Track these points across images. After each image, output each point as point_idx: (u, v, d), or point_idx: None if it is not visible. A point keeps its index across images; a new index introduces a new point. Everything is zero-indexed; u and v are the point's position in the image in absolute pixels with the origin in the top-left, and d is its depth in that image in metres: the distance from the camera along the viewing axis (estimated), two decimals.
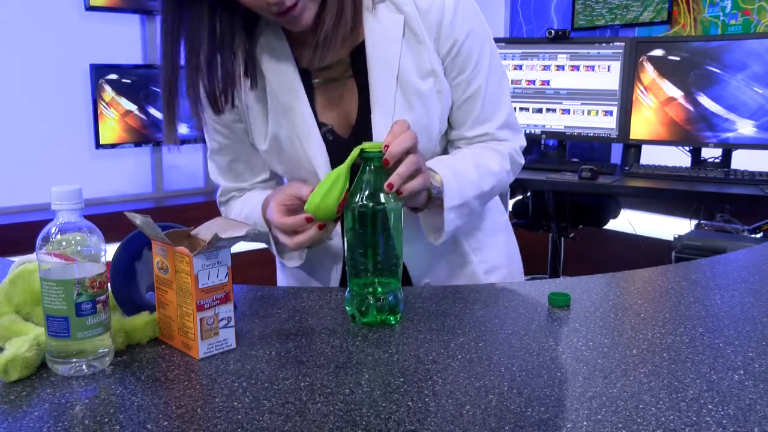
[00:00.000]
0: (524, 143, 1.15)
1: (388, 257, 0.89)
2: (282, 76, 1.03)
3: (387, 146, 0.87)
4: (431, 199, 0.99)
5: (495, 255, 1.19)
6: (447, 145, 1.15)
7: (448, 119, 1.10)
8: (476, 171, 1.03)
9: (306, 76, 1.04)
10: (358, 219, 0.88)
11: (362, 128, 1.04)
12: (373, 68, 1.02)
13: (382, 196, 0.87)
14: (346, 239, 0.90)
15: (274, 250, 1.09)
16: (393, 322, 0.91)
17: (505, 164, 1.09)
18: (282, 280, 1.24)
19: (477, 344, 0.84)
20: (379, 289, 0.90)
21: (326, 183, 0.90)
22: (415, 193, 0.90)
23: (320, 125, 1.05)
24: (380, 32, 1.01)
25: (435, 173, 0.99)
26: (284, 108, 1.03)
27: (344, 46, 1.02)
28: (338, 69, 1.04)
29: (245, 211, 1.10)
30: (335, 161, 1.02)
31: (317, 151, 1.04)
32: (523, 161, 1.14)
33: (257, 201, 1.07)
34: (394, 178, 0.86)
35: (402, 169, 0.87)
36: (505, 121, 1.10)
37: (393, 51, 1.01)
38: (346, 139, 1.05)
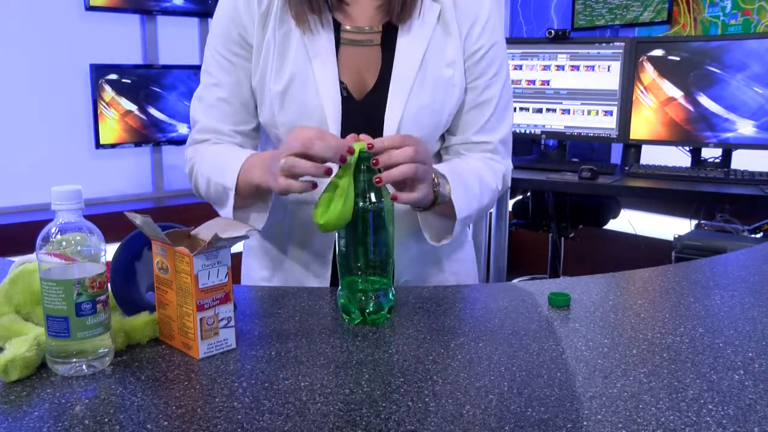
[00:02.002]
0: (512, 166, 1.19)
1: (380, 256, 0.90)
2: (318, 22, 1.04)
3: (371, 145, 0.87)
4: (436, 202, 0.99)
5: (464, 269, 1.23)
6: (440, 152, 1.17)
7: (455, 124, 1.12)
8: (479, 186, 1.07)
9: (335, 33, 1.06)
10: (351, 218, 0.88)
11: (377, 96, 1.05)
12: (401, 44, 1.05)
13: (374, 195, 0.88)
14: (337, 238, 0.90)
15: (230, 213, 1.01)
16: (383, 320, 0.91)
17: (499, 183, 1.13)
18: (258, 279, 1.20)
19: (477, 344, 0.84)
20: (370, 287, 0.90)
21: (337, 192, 0.86)
22: (410, 202, 0.91)
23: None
24: (416, 14, 1.05)
25: (446, 182, 1.00)
26: (311, 52, 1.04)
27: (382, 14, 1.06)
28: (368, 34, 1.07)
29: (219, 158, 1.05)
30: (345, 118, 1.04)
31: (332, 100, 1.03)
32: (510, 184, 1.19)
33: (238, 151, 1.04)
34: (384, 175, 0.87)
35: (394, 172, 0.87)
36: (505, 138, 1.15)
37: (424, 34, 1.05)
38: (358, 100, 1.06)
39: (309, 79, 1.04)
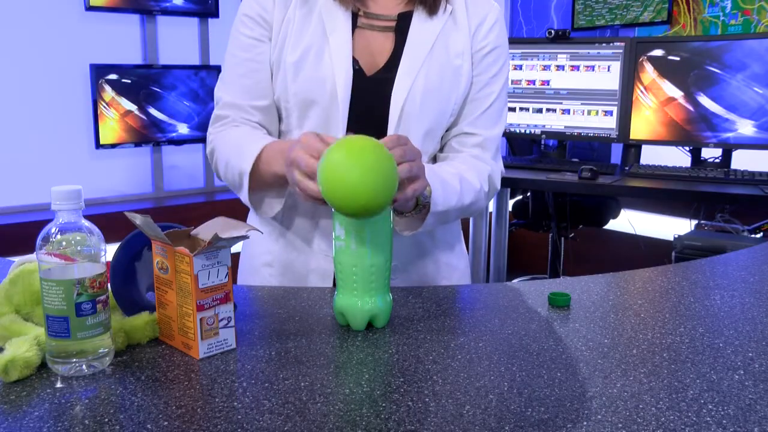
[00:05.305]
0: (503, 170, 1.23)
1: (377, 261, 0.88)
2: (336, 3, 1.11)
3: None
4: (417, 206, 1.02)
5: (457, 275, 1.25)
6: (438, 149, 1.20)
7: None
8: (460, 184, 1.09)
9: (352, 19, 1.12)
10: (347, 221, 0.87)
11: (387, 74, 1.11)
12: (413, 30, 1.12)
13: None
14: (334, 242, 0.90)
15: (246, 196, 1.07)
16: (380, 325, 0.90)
17: (484, 185, 1.15)
18: (253, 278, 1.22)
19: (477, 344, 0.84)
20: (366, 292, 0.88)
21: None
22: (407, 199, 0.92)
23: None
24: (429, 11, 1.13)
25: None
26: (328, 27, 1.09)
27: (402, 4, 1.13)
28: (384, 21, 1.13)
29: (238, 142, 1.09)
30: (355, 91, 1.08)
31: (344, 72, 1.08)
32: (499, 187, 1.21)
33: (257, 137, 1.09)
34: None
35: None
36: (495, 137, 1.19)
37: (436, 24, 1.12)
38: (369, 76, 1.11)
39: (324, 52, 1.09)
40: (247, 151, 1.05)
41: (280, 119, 1.16)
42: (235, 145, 1.09)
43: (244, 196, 1.08)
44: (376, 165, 0.81)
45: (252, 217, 1.23)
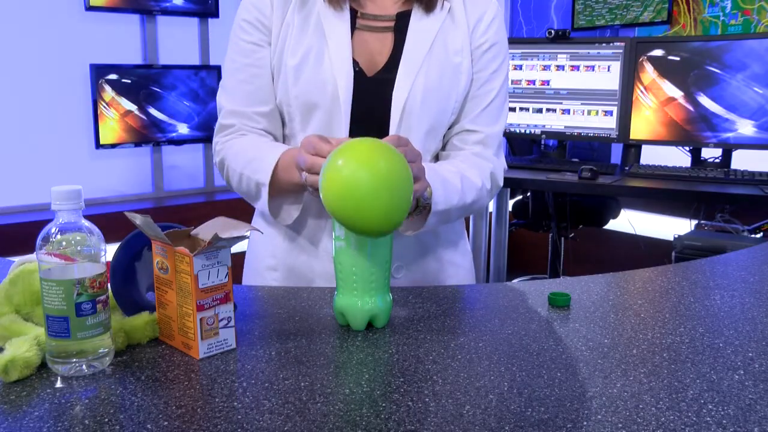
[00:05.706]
0: (506, 166, 1.23)
1: (377, 260, 0.88)
2: (335, 4, 1.11)
3: None
4: (418, 207, 1.02)
5: (462, 274, 1.25)
6: (441, 148, 1.20)
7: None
8: (461, 182, 1.10)
9: (351, 19, 1.12)
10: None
11: (387, 74, 1.11)
12: (412, 29, 1.12)
13: None
14: (334, 242, 0.90)
15: (266, 207, 1.08)
16: (380, 325, 0.90)
17: (486, 182, 1.15)
18: (257, 278, 1.22)
19: (477, 344, 0.84)
20: (366, 292, 0.89)
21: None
22: None
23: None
24: (426, 9, 1.13)
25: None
26: (327, 30, 1.09)
27: (399, 3, 1.14)
28: (383, 21, 1.13)
29: (251, 152, 1.09)
30: (356, 93, 1.09)
31: (345, 74, 1.08)
32: (502, 183, 1.21)
33: (269, 146, 1.09)
34: None
35: None
36: (497, 134, 1.19)
37: (434, 22, 1.12)
38: (369, 77, 1.11)
39: (324, 54, 1.09)
40: (263, 163, 1.05)
41: (283, 123, 1.16)
42: (247, 155, 1.10)
43: (262, 206, 1.08)
44: (391, 181, 0.78)
45: (257, 219, 1.23)
